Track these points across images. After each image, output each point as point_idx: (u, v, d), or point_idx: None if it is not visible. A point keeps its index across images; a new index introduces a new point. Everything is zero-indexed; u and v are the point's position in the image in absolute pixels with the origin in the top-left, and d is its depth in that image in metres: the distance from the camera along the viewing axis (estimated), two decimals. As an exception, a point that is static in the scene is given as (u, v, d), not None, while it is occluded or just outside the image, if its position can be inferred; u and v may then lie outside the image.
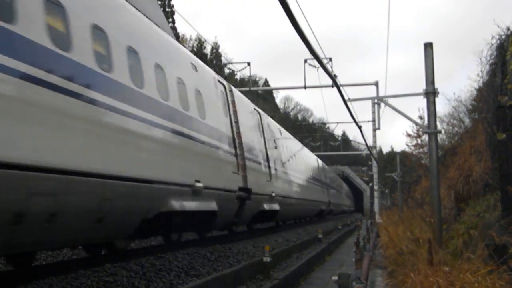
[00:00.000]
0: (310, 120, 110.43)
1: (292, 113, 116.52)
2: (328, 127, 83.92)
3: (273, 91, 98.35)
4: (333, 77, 13.17)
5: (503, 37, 12.85)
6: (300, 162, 29.26)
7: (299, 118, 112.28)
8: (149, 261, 10.62)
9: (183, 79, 11.83)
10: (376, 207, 43.21)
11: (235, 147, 14.90)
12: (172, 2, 60.68)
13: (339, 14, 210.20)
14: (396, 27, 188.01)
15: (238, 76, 67.31)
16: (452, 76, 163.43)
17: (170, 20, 61.26)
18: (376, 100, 33.64)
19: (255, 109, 19.80)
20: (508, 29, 12.70)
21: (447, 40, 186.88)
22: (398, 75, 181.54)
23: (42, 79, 6.66)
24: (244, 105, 18.01)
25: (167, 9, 59.97)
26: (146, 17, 10.95)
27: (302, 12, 7.47)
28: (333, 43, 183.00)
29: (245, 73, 33.97)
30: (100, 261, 11.24)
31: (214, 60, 65.76)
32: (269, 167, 19.36)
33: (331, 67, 27.85)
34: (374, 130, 38.88)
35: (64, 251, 15.55)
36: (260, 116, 20.04)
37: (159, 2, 58.78)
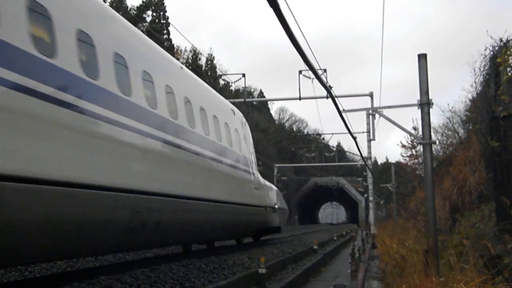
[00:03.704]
0: (305, 131, 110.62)
1: (287, 124, 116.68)
2: (323, 138, 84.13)
3: (268, 102, 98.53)
4: (328, 88, 13.18)
5: (496, 48, 12.94)
6: None
7: (294, 129, 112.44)
8: (144, 273, 10.57)
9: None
10: (371, 218, 43.19)
11: None
12: (167, 14, 60.86)
13: (334, 25, 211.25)
14: (391, 38, 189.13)
15: (233, 87, 67.46)
16: (447, 87, 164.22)
17: (165, 31, 61.41)
18: (370, 111, 33.74)
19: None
20: (501, 40, 12.78)
21: (442, 51, 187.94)
22: (393, 86, 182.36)
23: None
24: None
25: (161, 21, 60.10)
26: None
27: (297, 23, 7.51)
28: (328, 54, 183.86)
29: (240, 84, 33.97)
30: (94, 273, 11.17)
31: (209, 72, 65.87)
32: None
33: (326, 78, 27.93)
34: (369, 141, 38.94)
35: (59, 263, 15.46)
36: None
37: (154, 14, 58.99)
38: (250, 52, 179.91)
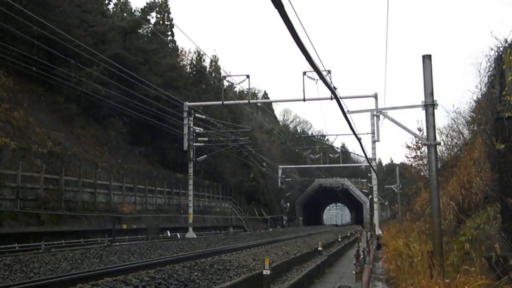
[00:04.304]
0: (310, 132, 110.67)
1: (291, 126, 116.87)
2: (328, 139, 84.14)
3: (273, 103, 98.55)
4: (332, 90, 13.17)
5: (501, 49, 12.89)
6: None
7: (299, 130, 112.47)
8: (149, 274, 10.58)
9: None
10: (376, 219, 43.10)
11: None
12: (171, 16, 60.92)
13: (338, 26, 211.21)
14: (396, 38, 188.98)
15: (237, 88, 67.42)
16: (451, 88, 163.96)
17: (169, 33, 61.45)
18: (375, 112, 33.66)
19: None
20: (506, 41, 12.74)
21: (447, 52, 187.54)
22: (398, 86, 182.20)
23: None
24: None
25: (166, 22, 60.16)
26: None
27: (302, 24, 7.50)
28: (332, 55, 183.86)
29: (244, 86, 33.90)
30: (99, 274, 11.17)
31: (213, 73, 65.92)
32: None
33: (330, 79, 27.90)
34: (374, 142, 38.91)
35: (63, 264, 15.50)
36: None
37: (158, 15, 59.06)
38: (255, 53, 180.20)
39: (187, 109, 38.14)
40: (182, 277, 10.69)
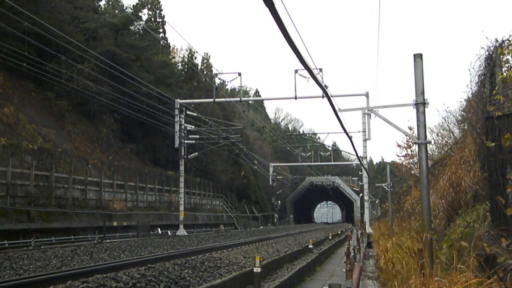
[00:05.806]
0: (301, 130, 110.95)
1: (283, 123, 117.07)
2: (319, 137, 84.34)
3: (264, 101, 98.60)
4: (323, 88, 13.17)
5: (492, 48, 12.95)
6: None
7: (290, 128, 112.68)
8: (139, 271, 10.57)
9: None
10: (366, 217, 43.23)
11: None
12: (163, 13, 60.71)
13: (330, 24, 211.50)
14: (387, 37, 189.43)
15: (228, 86, 67.34)
16: (442, 86, 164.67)
17: (161, 30, 61.23)
18: (366, 111, 33.75)
19: None
20: (496, 40, 12.80)
21: (438, 51, 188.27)
22: (389, 85, 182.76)
23: None
24: None
25: (157, 19, 59.96)
26: None
27: (293, 22, 7.50)
28: (324, 53, 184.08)
29: (236, 84, 33.90)
30: (89, 272, 11.15)
31: (205, 71, 65.78)
32: None
33: (322, 78, 27.93)
34: (365, 140, 38.99)
35: (53, 261, 15.44)
36: None
37: (150, 13, 58.86)
38: (247, 51, 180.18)
39: (178, 107, 38.05)
40: (172, 274, 10.68)
